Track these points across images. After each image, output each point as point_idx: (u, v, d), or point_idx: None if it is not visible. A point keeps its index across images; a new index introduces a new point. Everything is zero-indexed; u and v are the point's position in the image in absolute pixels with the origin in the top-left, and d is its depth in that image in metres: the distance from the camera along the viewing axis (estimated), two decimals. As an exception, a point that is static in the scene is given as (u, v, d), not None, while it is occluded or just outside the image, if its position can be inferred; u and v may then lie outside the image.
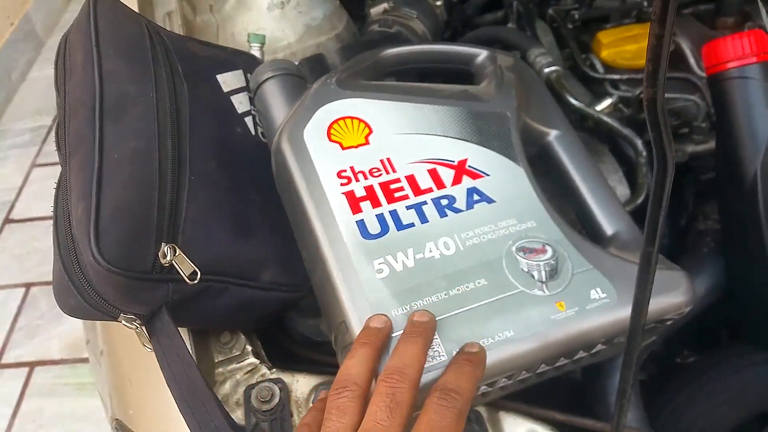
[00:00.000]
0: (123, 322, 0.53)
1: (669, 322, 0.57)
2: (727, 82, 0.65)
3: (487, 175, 0.59)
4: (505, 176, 0.59)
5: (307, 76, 0.79)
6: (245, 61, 0.71)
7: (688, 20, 0.91)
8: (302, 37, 0.96)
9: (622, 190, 0.74)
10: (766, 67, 0.64)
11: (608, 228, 0.62)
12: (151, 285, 0.51)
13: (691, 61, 0.86)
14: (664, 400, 0.72)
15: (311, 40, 0.96)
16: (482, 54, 0.72)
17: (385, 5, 0.87)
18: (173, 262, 0.52)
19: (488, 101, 0.64)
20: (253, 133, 0.67)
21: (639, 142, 0.74)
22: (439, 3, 0.91)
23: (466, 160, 0.60)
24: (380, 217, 0.55)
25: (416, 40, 0.87)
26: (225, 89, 0.67)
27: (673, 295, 0.54)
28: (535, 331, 0.50)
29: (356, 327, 0.49)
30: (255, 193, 0.63)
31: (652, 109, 0.32)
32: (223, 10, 0.99)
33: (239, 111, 0.67)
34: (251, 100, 0.69)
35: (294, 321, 0.65)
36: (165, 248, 0.52)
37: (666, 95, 0.81)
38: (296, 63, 0.85)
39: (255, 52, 0.84)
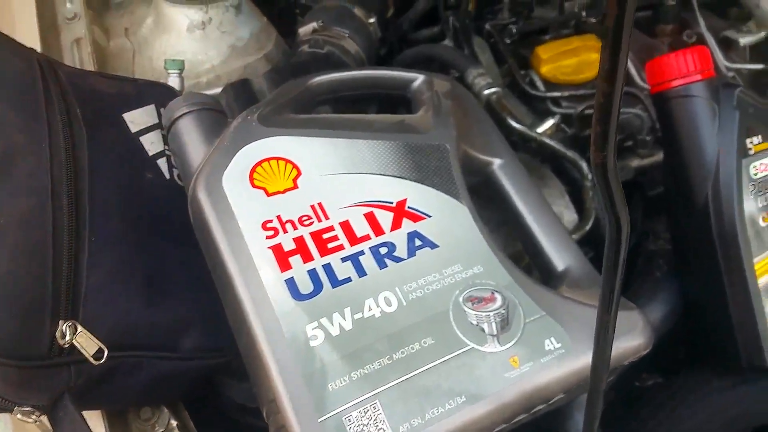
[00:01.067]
0: (18, 416, 0.45)
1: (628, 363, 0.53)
2: (672, 100, 0.62)
3: (429, 216, 0.54)
4: (448, 216, 0.54)
5: (232, 106, 0.73)
6: (159, 94, 0.64)
7: (627, 29, 0.88)
8: (227, 59, 0.89)
9: (569, 216, 0.71)
10: (710, 84, 0.61)
11: (559, 263, 0.58)
12: (48, 372, 0.45)
13: (632, 71, 0.84)
14: (631, 429, 0.69)
15: (237, 61, 0.89)
16: (418, 79, 0.67)
17: (314, 24, 0.82)
18: (74, 341, 0.45)
19: (426, 133, 0.59)
20: (167, 176, 0.60)
21: (584, 165, 0.70)
22: (372, 21, 0.85)
23: (406, 200, 0.54)
24: (312, 273, 0.49)
25: (350, 61, 0.81)
26: (133, 129, 0.60)
27: (630, 338, 0.51)
28: (489, 394, 0.46)
29: (289, 407, 0.43)
30: (172, 245, 0.56)
31: (602, 174, 0.28)
32: (139, 33, 0.91)
33: (150, 153, 0.60)
34: (165, 139, 0.62)
35: (225, 385, 0.59)
36: (63, 327, 0.45)
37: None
38: (221, 89, 0.79)
39: (173, 80, 0.77)
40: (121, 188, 0.54)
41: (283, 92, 0.63)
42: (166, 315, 0.52)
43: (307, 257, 0.50)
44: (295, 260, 0.50)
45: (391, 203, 0.54)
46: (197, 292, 0.55)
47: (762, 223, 0.61)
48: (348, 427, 0.42)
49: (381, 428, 0.43)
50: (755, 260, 0.61)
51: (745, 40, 0.84)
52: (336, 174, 0.55)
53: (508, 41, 0.86)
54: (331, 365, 0.45)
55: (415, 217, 0.54)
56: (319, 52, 0.81)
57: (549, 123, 0.73)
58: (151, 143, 0.61)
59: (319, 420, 0.42)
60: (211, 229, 0.51)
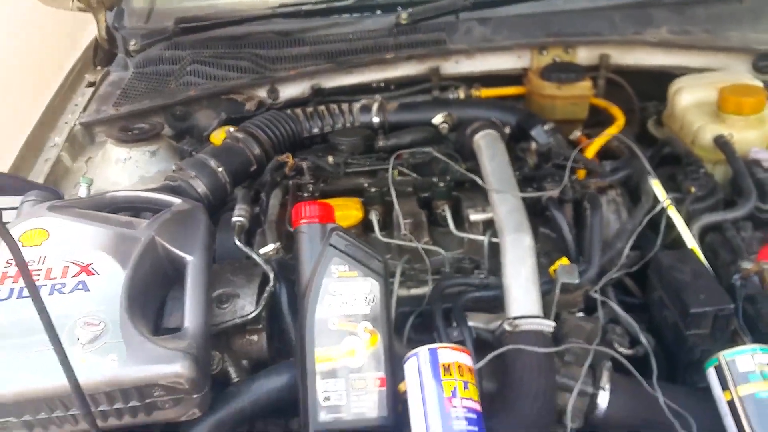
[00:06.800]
0: None
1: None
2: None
3: (98, 274, 0.87)
4: (110, 276, 0.87)
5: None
6: (24, 189, 1.07)
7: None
8: (135, 184, 1.33)
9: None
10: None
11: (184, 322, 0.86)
12: None
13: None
14: None
15: (142, 187, 1.32)
16: (175, 201, 1.03)
17: (173, 166, 1.23)
18: None
19: (134, 229, 0.94)
20: None
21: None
22: (221, 169, 1.24)
23: (91, 263, 0.89)
24: (11, 290, 0.85)
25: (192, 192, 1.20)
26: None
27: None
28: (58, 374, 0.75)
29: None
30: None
31: None
32: (94, 160, 1.40)
33: (4, 219, 1.02)
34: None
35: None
36: None
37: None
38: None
39: (82, 189, 1.21)
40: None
41: (82, 199, 1.03)
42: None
43: (15, 281, 0.85)
44: (8, 281, 0.85)
45: (83, 263, 0.89)
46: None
47: (332, 327, 0.85)
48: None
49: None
50: (318, 351, 0.84)
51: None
52: (67, 242, 0.91)
53: (305, 195, 1.21)
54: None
55: (90, 273, 0.87)
56: (171, 184, 1.21)
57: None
58: (7, 214, 1.03)
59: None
60: None
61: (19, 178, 1.13)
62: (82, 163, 1.40)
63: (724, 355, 0.83)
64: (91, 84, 1.56)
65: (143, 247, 0.92)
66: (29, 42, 1.55)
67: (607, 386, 0.92)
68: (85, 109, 1.48)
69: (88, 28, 1.66)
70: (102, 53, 1.63)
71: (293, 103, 1.50)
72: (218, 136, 1.39)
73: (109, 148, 1.37)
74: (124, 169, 1.34)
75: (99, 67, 1.62)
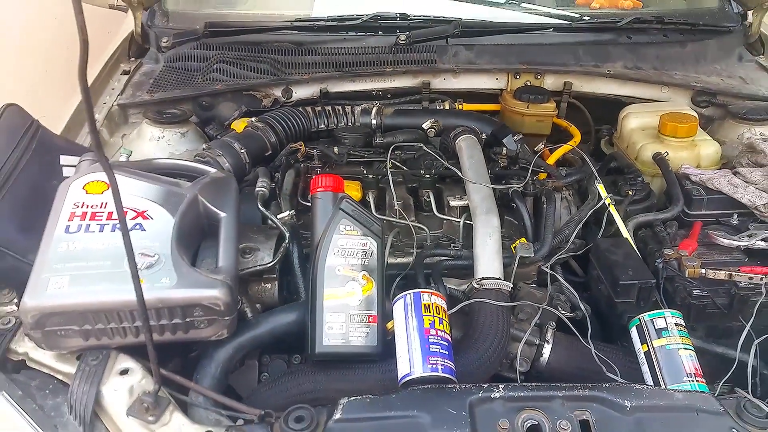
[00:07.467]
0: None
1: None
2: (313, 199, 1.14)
3: (152, 219, 1.09)
4: (161, 221, 1.09)
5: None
6: (80, 152, 1.28)
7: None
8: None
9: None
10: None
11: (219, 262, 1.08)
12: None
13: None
14: None
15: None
16: (211, 171, 1.25)
17: (202, 145, 1.45)
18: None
19: (181, 188, 1.16)
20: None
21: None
22: (243, 151, 1.46)
23: (146, 210, 1.10)
24: (80, 225, 1.06)
25: (217, 167, 1.42)
26: (62, 162, 1.24)
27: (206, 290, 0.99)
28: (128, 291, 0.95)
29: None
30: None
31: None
32: (129, 137, 1.61)
33: (64, 174, 1.23)
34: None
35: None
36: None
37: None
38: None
39: (123, 158, 1.42)
40: (35, 183, 1.16)
41: (137, 162, 1.25)
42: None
43: (82, 219, 1.07)
44: (76, 218, 1.06)
45: (139, 209, 1.10)
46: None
47: (338, 272, 1.08)
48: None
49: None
50: (326, 290, 1.06)
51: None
52: (124, 194, 1.12)
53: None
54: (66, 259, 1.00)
55: (145, 218, 1.09)
56: (201, 160, 1.43)
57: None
58: (67, 171, 1.24)
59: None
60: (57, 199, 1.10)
61: (75, 143, 1.34)
62: (118, 138, 1.61)
63: (645, 316, 1.08)
64: (125, 72, 1.77)
65: (188, 202, 1.14)
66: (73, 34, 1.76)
67: (551, 340, 1.16)
68: (121, 93, 1.69)
69: (123, 24, 1.88)
70: (136, 47, 1.85)
71: (303, 102, 1.73)
72: (239, 125, 1.61)
73: (144, 127, 1.58)
74: (157, 146, 1.56)
75: (132, 59, 1.83)
